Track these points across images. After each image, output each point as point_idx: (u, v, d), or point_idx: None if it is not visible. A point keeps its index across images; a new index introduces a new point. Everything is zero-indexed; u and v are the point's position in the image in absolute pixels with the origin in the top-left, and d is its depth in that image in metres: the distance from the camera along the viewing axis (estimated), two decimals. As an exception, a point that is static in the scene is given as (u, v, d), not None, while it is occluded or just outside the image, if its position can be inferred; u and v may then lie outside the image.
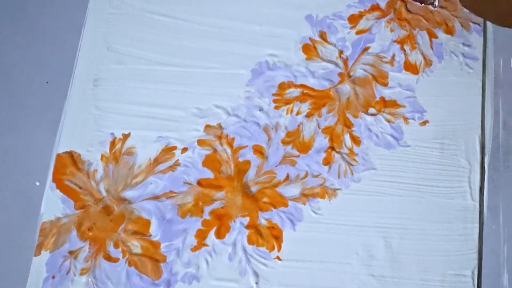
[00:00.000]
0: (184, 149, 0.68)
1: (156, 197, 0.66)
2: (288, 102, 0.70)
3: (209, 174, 0.67)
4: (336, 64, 0.71)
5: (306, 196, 0.66)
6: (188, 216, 0.65)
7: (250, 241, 0.64)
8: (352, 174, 0.67)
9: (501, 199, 0.66)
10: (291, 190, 0.66)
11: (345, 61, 0.71)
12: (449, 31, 0.73)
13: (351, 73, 0.71)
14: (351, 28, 0.73)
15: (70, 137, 0.69)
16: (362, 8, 0.74)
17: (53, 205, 0.66)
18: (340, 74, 0.71)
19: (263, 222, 0.65)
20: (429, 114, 0.69)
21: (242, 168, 0.67)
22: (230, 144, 0.68)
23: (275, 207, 0.65)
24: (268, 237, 0.64)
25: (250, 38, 0.73)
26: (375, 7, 0.74)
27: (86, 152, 0.68)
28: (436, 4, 0.73)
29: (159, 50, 0.72)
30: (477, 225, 0.65)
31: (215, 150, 0.68)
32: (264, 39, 0.72)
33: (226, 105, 0.70)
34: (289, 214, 0.65)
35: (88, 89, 0.71)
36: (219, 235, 0.64)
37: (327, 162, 0.67)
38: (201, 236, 0.64)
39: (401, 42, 0.72)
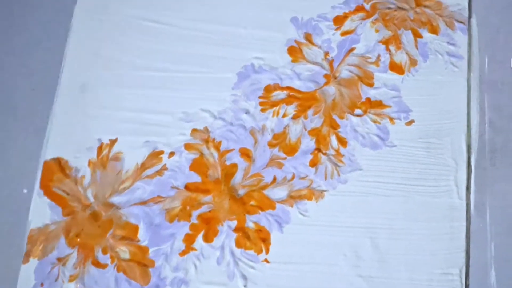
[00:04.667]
0: (171, 154, 0.68)
1: (143, 202, 0.66)
2: (274, 104, 0.70)
3: (196, 178, 0.67)
4: (322, 66, 0.71)
5: (293, 198, 0.66)
6: (176, 221, 0.65)
7: (238, 244, 0.64)
8: (339, 175, 0.67)
9: (488, 197, 0.66)
10: (278, 193, 0.66)
11: (330, 63, 0.72)
12: (434, 30, 0.73)
13: (337, 74, 0.71)
14: (336, 29, 0.73)
15: (57, 143, 0.69)
16: (347, 9, 0.74)
17: (41, 212, 0.66)
18: (325, 76, 0.71)
19: (250, 225, 0.65)
20: (415, 114, 0.69)
21: (229, 172, 0.67)
22: (217, 148, 0.68)
23: (262, 210, 0.65)
24: (255, 240, 0.64)
25: (235, 42, 0.73)
26: (360, 8, 0.74)
27: (73, 158, 0.68)
28: None
29: (145, 55, 0.72)
30: (464, 223, 0.65)
31: (202, 154, 0.68)
32: (250, 42, 0.73)
33: (212, 108, 0.70)
34: (276, 216, 0.65)
35: (75, 95, 0.71)
36: (207, 239, 0.65)
37: (314, 163, 0.67)
38: (189, 240, 0.64)
39: (386, 42, 0.72)
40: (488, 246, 0.65)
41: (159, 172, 0.67)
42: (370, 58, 0.72)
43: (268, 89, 0.70)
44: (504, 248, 0.65)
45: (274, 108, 0.69)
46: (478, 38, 0.73)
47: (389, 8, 0.74)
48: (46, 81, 0.72)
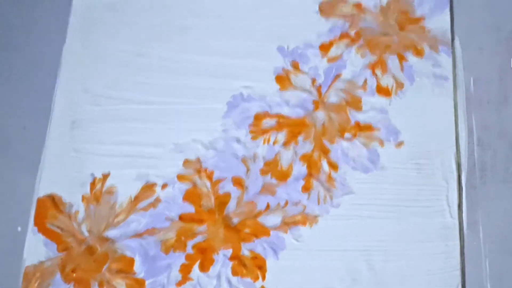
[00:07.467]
0: (164, 185, 0.68)
1: (138, 235, 0.66)
2: (264, 132, 0.70)
3: (190, 209, 0.67)
4: (310, 92, 0.72)
5: (287, 224, 0.66)
6: (172, 251, 0.65)
7: (234, 273, 0.64)
8: (332, 199, 0.67)
9: (480, 215, 0.67)
10: (272, 219, 0.66)
11: (318, 89, 0.72)
12: (418, 53, 0.74)
13: (325, 100, 0.72)
14: (322, 56, 0.74)
15: (50, 180, 0.69)
16: (332, 36, 0.75)
17: (36, 249, 0.66)
18: (314, 102, 0.72)
19: (246, 252, 0.65)
20: (404, 136, 0.70)
21: (222, 201, 0.67)
22: (210, 177, 0.68)
23: (257, 237, 0.66)
24: (251, 267, 0.65)
25: (223, 72, 0.73)
26: (344, 35, 0.75)
27: (67, 194, 0.68)
28: None
29: (134, 89, 0.73)
30: (457, 242, 0.65)
31: (194, 184, 0.68)
32: (238, 72, 0.73)
33: (203, 139, 0.70)
34: (271, 243, 0.65)
35: (66, 132, 0.71)
36: (203, 268, 0.65)
37: (306, 189, 0.68)
38: (185, 270, 0.64)
39: (372, 66, 0.73)
40: (483, 264, 0.65)
41: (153, 204, 0.67)
42: (357, 83, 0.73)
43: (258, 117, 0.71)
44: (499, 265, 0.65)
45: (265, 136, 0.70)
46: (462, 59, 0.74)
47: (373, 33, 0.75)
48: (37, 119, 0.72)
